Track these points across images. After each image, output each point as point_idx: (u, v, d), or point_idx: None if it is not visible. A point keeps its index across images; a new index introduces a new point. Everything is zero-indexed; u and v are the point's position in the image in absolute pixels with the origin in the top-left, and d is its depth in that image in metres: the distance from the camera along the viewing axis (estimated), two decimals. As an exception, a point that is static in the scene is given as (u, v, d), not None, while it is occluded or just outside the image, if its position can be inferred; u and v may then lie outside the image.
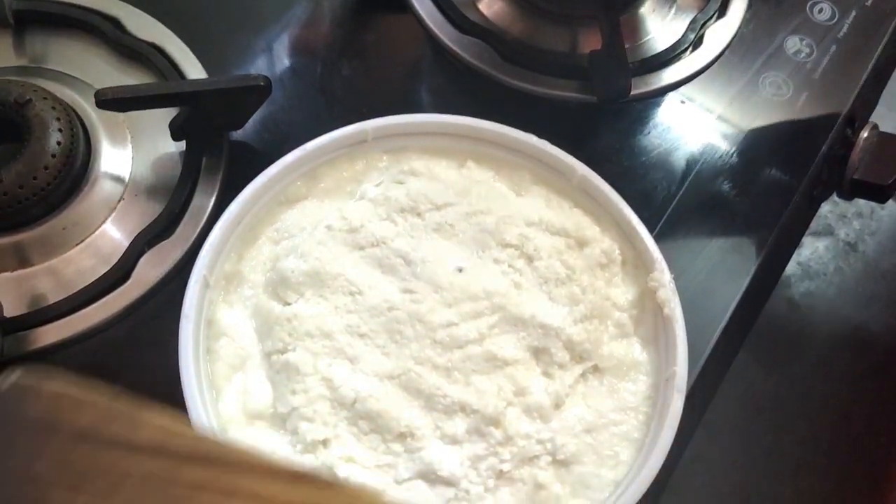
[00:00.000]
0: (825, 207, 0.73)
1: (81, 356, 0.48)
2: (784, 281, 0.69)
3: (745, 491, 0.60)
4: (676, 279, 0.41)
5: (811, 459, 0.64)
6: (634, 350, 0.40)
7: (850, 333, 0.68)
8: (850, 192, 0.61)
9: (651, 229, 0.43)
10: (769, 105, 0.60)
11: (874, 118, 0.63)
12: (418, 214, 0.41)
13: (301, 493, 0.23)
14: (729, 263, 0.55)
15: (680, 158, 0.58)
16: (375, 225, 0.41)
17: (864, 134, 0.60)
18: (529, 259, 0.41)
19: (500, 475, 0.37)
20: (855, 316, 0.69)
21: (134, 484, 0.21)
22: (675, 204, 0.56)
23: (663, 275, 0.40)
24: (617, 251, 0.42)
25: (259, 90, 0.50)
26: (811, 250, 0.71)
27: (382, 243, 0.40)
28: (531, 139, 0.43)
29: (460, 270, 0.40)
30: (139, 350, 0.48)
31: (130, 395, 0.47)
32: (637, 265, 0.42)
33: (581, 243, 0.42)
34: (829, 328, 0.68)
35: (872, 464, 0.65)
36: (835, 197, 0.73)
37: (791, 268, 0.70)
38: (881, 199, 0.61)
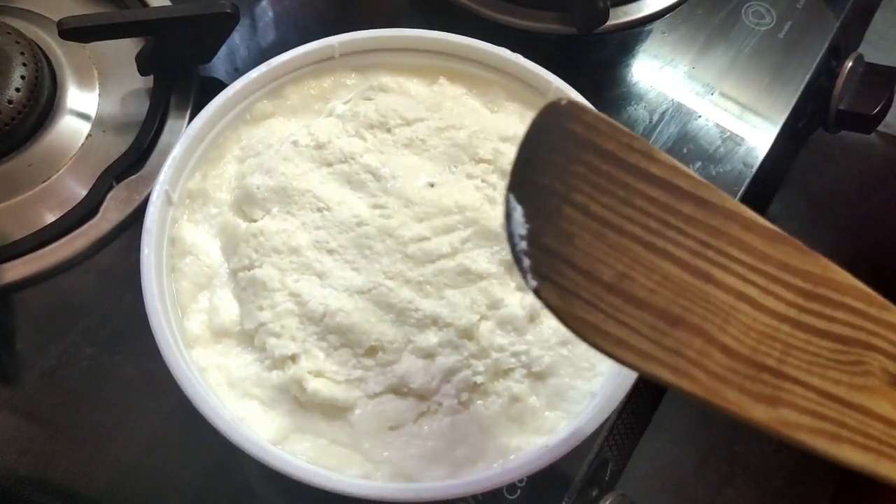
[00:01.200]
0: (812, 146, 0.72)
1: (50, 291, 0.47)
2: (769, 221, 0.69)
3: (736, 427, 0.59)
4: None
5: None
6: (611, 263, 0.39)
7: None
8: (836, 123, 0.60)
9: None
10: (752, 35, 0.59)
11: (859, 54, 0.62)
12: (388, 130, 0.40)
13: (778, 252, 0.26)
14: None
15: (661, 90, 0.57)
16: (343, 141, 0.40)
17: (849, 64, 0.59)
18: (503, 174, 0.40)
19: (474, 388, 0.36)
20: (843, 255, 0.68)
21: (641, 203, 0.25)
22: (656, 135, 0.55)
23: (640, 186, 0.39)
24: (593, 165, 0.41)
25: (226, 18, 0.49)
26: (796, 190, 0.70)
27: (351, 159, 0.39)
28: (504, 52, 0.42)
29: (432, 185, 0.39)
30: (109, 285, 0.48)
31: (107, 326, 0.46)
32: (614, 179, 0.41)
33: (556, 158, 0.40)
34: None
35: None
36: (821, 136, 0.72)
37: (776, 208, 0.69)
38: (866, 129, 0.60)
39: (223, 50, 0.53)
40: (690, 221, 0.25)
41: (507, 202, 0.24)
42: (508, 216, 0.24)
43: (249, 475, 0.43)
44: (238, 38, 0.56)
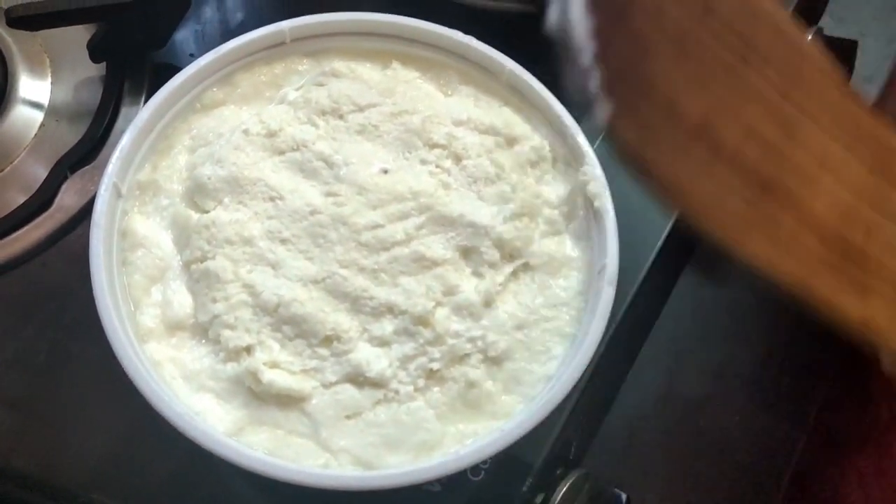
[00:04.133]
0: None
1: (7, 283, 0.47)
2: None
3: (700, 402, 0.60)
4: (616, 194, 0.39)
5: (766, 371, 0.64)
6: (566, 246, 0.39)
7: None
8: (796, 98, 0.60)
9: (593, 142, 0.41)
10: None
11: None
12: (340, 116, 0.40)
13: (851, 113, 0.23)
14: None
15: (622, 67, 0.56)
16: (295, 128, 0.39)
17: (808, 38, 0.59)
18: (458, 158, 0.40)
19: (430, 374, 0.36)
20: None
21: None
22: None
23: (594, 168, 0.39)
24: (547, 148, 0.41)
25: (178, 2, 0.48)
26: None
27: (303, 147, 0.39)
28: (457, 35, 0.41)
29: (385, 172, 0.39)
30: (68, 275, 0.47)
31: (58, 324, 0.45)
32: (568, 162, 0.41)
33: (510, 141, 0.40)
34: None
35: (828, 374, 0.65)
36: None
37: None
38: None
39: (177, 35, 0.52)
40: (771, 57, 0.22)
41: None
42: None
43: (221, 465, 0.43)
44: (192, 23, 0.55)
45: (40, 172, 0.49)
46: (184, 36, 0.54)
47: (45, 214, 0.48)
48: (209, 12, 0.56)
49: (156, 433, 0.44)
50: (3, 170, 0.49)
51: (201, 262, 0.37)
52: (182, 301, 0.37)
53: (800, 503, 0.59)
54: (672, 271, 0.58)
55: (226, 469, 0.43)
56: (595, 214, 0.39)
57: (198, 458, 0.42)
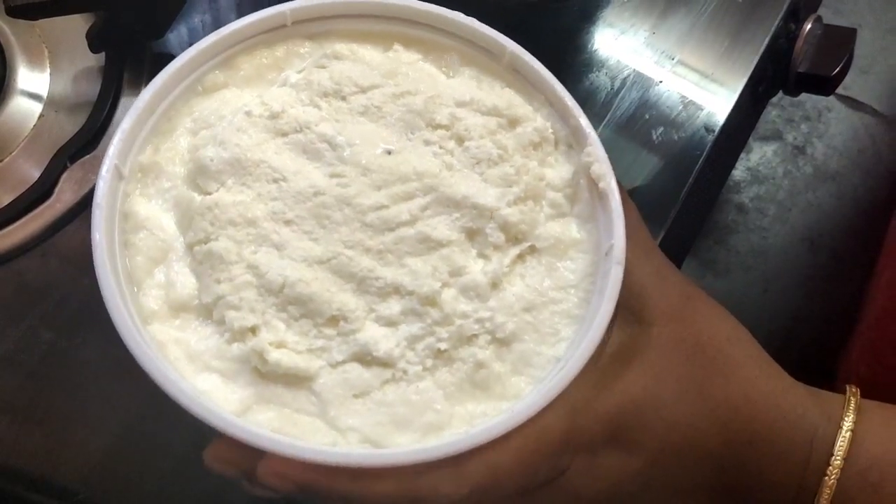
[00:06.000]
0: (772, 112, 0.72)
1: (5, 276, 0.46)
2: (733, 186, 0.69)
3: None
4: (620, 178, 0.39)
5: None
6: (571, 229, 0.39)
7: (801, 235, 0.68)
8: (795, 86, 0.60)
9: (595, 128, 0.41)
10: (710, -1, 0.59)
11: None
12: (343, 98, 0.39)
13: None
14: (673, 162, 0.54)
15: (622, 56, 0.56)
16: (298, 110, 0.39)
17: (808, 26, 0.59)
18: (461, 140, 0.39)
19: (438, 355, 0.36)
20: (805, 218, 0.69)
21: None
22: (617, 102, 0.55)
23: (598, 149, 0.39)
24: (550, 130, 0.41)
25: (176, -9, 0.48)
26: (759, 155, 0.70)
27: (306, 128, 0.38)
28: (459, 17, 0.41)
29: (389, 152, 0.38)
30: (66, 267, 0.47)
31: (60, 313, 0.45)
32: (571, 144, 0.41)
33: (513, 123, 0.40)
34: (780, 231, 0.68)
35: (825, 361, 0.65)
36: (782, 101, 0.73)
37: (740, 173, 0.69)
38: (826, 91, 0.60)
39: (177, 24, 0.52)
40: None
41: None
42: None
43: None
44: (192, 12, 0.55)
45: (40, 163, 0.49)
46: (182, 24, 0.54)
47: (43, 205, 0.48)
48: (207, 6, 0.56)
49: (154, 430, 0.44)
50: (2, 161, 0.49)
51: (205, 243, 0.36)
52: (185, 282, 0.36)
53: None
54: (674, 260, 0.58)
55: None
56: (600, 195, 0.38)
57: (197, 454, 0.42)
